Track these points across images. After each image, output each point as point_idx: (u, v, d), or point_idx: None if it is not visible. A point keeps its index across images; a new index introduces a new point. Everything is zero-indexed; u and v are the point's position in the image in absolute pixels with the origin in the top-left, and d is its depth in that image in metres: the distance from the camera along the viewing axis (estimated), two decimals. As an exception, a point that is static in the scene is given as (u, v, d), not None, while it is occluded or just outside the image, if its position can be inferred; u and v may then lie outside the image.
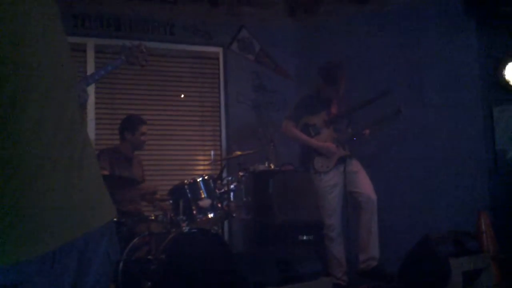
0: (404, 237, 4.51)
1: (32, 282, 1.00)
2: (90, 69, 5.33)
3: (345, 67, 4.42)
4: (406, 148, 5.20)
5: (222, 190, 4.26)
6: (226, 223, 5.28)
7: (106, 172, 4.22)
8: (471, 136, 5.08)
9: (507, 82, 5.09)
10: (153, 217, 4.13)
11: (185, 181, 4.13)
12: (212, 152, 5.60)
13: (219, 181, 4.42)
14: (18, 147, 1.01)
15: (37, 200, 1.02)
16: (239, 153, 4.68)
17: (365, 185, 4.31)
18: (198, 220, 4.00)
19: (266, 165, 5.12)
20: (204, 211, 4.03)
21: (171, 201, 4.17)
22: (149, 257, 3.59)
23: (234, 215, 4.28)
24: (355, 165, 4.38)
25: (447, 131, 5.11)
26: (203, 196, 4.07)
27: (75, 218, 1.09)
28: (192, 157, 5.79)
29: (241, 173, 4.51)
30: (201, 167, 5.77)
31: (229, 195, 4.28)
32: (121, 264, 3.67)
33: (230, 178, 4.43)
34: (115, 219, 2.27)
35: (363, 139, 4.41)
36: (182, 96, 5.80)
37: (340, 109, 4.49)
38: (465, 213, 4.71)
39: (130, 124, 4.57)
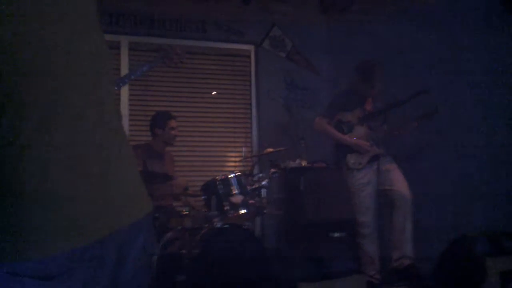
0: (439, 236, 4.44)
1: (71, 273, 1.01)
2: (124, 66, 5.42)
3: (382, 65, 4.38)
4: (443, 147, 5.12)
5: (254, 187, 4.27)
6: (257, 219, 5.29)
7: (139, 168, 4.27)
8: (510, 135, 4.96)
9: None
10: (185, 212, 4.17)
11: (217, 177, 4.13)
12: (243, 149, 5.61)
13: (250, 178, 4.43)
14: (59, 142, 1.02)
15: (76, 194, 1.03)
16: (270, 150, 4.67)
17: (399, 183, 4.26)
18: (230, 216, 4.01)
19: (298, 162, 5.10)
20: (235, 207, 4.03)
21: (203, 197, 4.19)
22: (182, 251, 3.61)
23: (265, 211, 4.28)
24: (389, 163, 4.33)
25: (485, 130, 5.00)
26: (235, 192, 4.08)
27: (114, 211, 1.10)
28: (223, 154, 5.82)
29: (272, 170, 4.50)
30: (233, 164, 5.79)
31: (261, 191, 4.29)
32: (154, 258, 3.71)
33: (261, 174, 4.43)
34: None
35: (398, 136, 4.36)
36: (214, 93, 5.83)
37: (375, 106, 4.45)
38: (503, 213, 4.61)
39: (159, 120, 4.64)
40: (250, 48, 5.99)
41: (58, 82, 1.03)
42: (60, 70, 1.04)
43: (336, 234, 4.61)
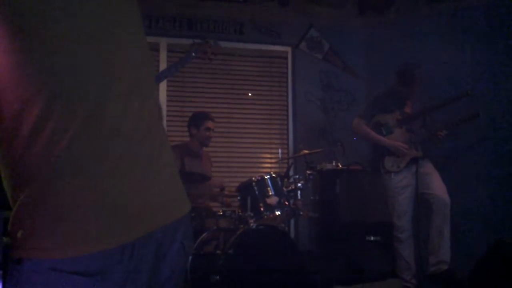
0: (477, 242, 4.37)
1: (113, 270, 1.03)
2: (163, 67, 5.49)
3: (422, 69, 4.32)
4: (483, 150, 5.02)
5: (289, 188, 4.26)
6: (292, 221, 5.28)
7: (177, 167, 4.31)
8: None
9: None
10: (221, 213, 4.20)
11: (253, 178, 4.15)
12: (279, 151, 5.61)
13: (286, 179, 4.42)
14: (101, 141, 1.05)
15: (119, 192, 1.06)
16: (306, 151, 4.66)
17: (438, 187, 4.19)
18: (265, 217, 4.02)
19: (334, 164, 5.08)
20: (271, 208, 4.04)
21: (238, 198, 4.22)
22: (218, 251, 3.64)
23: (301, 213, 4.27)
24: (428, 167, 4.27)
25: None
26: (270, 193, 4.09)
27: (154, 210, 1.12)
28: (259, 155, 5.84)
29: (308, 172, 4.49)
30: (269, 165, 5.80)
31: (296, 193, 4.27)
32: (190, 258, 3.76)
33: (297, 176, 4.43)
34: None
35: (437, 140, 4.30)
36: (250, 94, 5.86)
37: (414, 109, 4.40)
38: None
39: (196, 120, 4.68)
40: (287, 49, 5.99)
41: (103, 81, 1.07)
42: (105, 66, 1.07)
43: (372, 238, 4.57)
